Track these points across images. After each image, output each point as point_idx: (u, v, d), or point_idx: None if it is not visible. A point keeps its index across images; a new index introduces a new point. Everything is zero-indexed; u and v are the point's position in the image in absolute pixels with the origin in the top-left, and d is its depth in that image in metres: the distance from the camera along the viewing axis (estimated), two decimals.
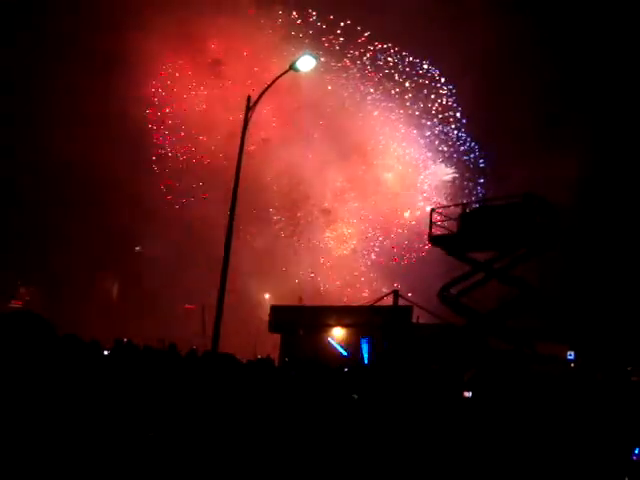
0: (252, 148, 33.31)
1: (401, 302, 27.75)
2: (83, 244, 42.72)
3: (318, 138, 46.31)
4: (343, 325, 29.82)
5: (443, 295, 22.92)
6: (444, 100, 47.56)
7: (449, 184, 47.76)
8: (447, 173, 47.96)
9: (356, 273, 46.29)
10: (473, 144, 47.89)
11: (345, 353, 13.42)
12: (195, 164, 46.82)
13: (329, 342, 22.59)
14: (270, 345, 32.18)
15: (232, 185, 15.53)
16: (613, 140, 40.73)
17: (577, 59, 41.73)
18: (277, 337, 31.88)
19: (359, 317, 29.02)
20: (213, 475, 5.86)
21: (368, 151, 48.15)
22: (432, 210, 24.13)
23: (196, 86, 46.74)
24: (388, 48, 46.80)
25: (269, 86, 15.30)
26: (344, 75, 46.95)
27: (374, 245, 48.14)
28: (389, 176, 48.44)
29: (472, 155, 47.90)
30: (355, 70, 47.11)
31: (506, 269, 22.00)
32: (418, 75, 47.17)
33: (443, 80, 47.03)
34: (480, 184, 47.41)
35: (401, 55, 46.97)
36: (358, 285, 45.36)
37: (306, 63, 15.22)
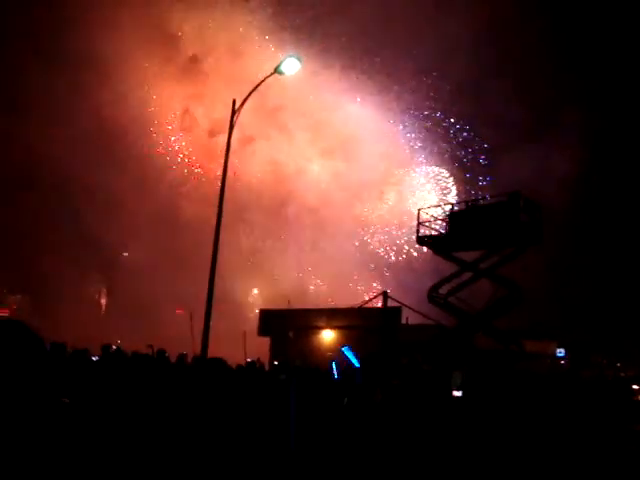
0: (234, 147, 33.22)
1: (390, 303, 27.80)
2: (70, 250, 42.56)
3: (300, 135, 46.56)
4: (333, 327, 29.83)
5: (432, 296, 23.00)
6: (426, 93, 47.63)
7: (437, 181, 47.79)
8: (434, 171, 47.99)
9: (345, 273, 46.05)
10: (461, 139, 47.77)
11: (357, 365, 13.33)
12: (176, 164, 46.63)
13: (342, 351, 22.61)
14: (260, 347, 32.17)
15: (218, 187, 15.50)
16: (607, 138, 41.13)
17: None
18: (266, 340, 31.86)
19: (349, 319, 29.04)
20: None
21: (352, 148, 48.11)
22: (419, 210, 24.21)
23: (174, 84, 46.52)
24: (368, 48, 46.68)
25: (253, 89, 15.26)
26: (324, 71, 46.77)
27: (362, 244, 48.14)
28: (374, 174, 48.41)
29: (463, 152, 47.73)
30: (337, 68, 46.97)
31: (493, 268, 22.10)
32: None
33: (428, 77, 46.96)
34: (470, 181, 47.37)
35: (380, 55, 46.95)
36: (349, 285, 45.26)
37: (290, 66, 15.21)
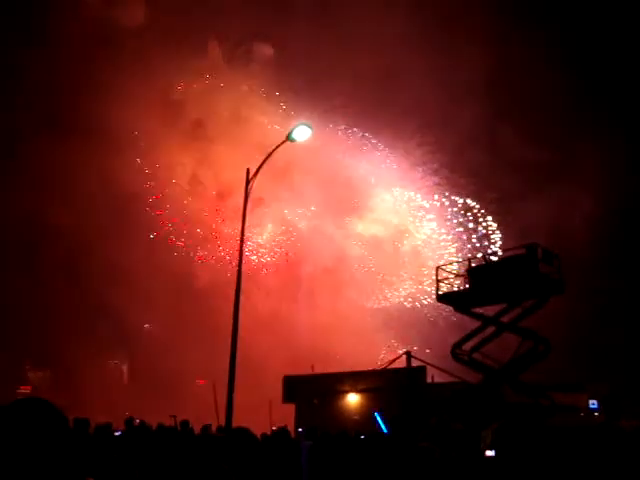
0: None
1: (414, 362, 27.45)
2: (91, 324, 42.73)
3: (312, 195, 46.71)
4: (357, 391, 29.41)
5: (455, 353, 22.74)
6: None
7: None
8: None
9: (365, 333, 45.37)
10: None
11: (386, 430, 13.06)
12: (187, 229, 46.99)
13: (374, 416, 22.28)
14: (285, 414, 31.66)
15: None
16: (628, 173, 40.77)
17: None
18: (291, 406, 31.41)
19: (373, 381, 28.66)
20: None
21: (364, 207, 48.30)
22: (437, 268, 24.18)
23: (180, 151, 47.01)
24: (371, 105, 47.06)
25: (266, 158, 15.58)
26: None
27: (381, 301, 47.76)
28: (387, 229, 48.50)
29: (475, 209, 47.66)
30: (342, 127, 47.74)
31: (515, 321, 21.88)
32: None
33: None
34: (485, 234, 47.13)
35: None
36: (371, 345, 44.55)
37: (302, 133, 15.55)
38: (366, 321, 45.61)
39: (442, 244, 47.72)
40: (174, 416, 19.03)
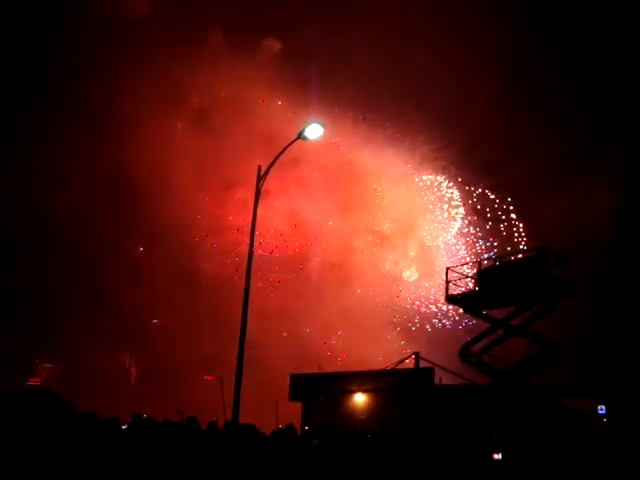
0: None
1: (422, 364, 27.34)
2: (100, 318, 42.87)
3: (319, 188, 46.19)
4: (364, 391, 29.34)
5: (464, 354, 22.66)
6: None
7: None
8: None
9: (373, 332, 44.76)
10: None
11: None
12: (193, 221, 46.66)
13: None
14: (291, 412, 31.63)
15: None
16: None
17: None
18: (298, 404, 31.40)
19: (381, 382, 28.56)
20: None
21: (371, 200, 47.78)
22: (448, 269, 24.07)
23: (185, 142, 46.61)
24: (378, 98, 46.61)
25: (278, 156, 15.54)
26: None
27: (389, 300, 47.05)
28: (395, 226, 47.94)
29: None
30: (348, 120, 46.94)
31: (525, 324, 21.77)
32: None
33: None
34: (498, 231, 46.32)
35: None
36: (378, 344, 44.01)
37: (314, 131, 15.52)
38: (374, 319, 45.14)
39: (452, 241, 47.06)
40: (181, 412, 19.12)
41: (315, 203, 46.02)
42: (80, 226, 43.18)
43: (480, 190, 46.10)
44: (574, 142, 41.71)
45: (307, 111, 43.97)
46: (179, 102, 46.47)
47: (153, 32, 43.49)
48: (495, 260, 23.36)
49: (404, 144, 46.94)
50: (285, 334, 43.67)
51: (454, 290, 23.36)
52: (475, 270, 23.55)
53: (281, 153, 15.60)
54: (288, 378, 32.29)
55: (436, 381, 27.21)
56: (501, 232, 45.28)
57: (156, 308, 45.95)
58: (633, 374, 30.63)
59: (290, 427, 11.43)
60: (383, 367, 28.83)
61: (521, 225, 44.16)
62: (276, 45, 46.95)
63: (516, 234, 44.40)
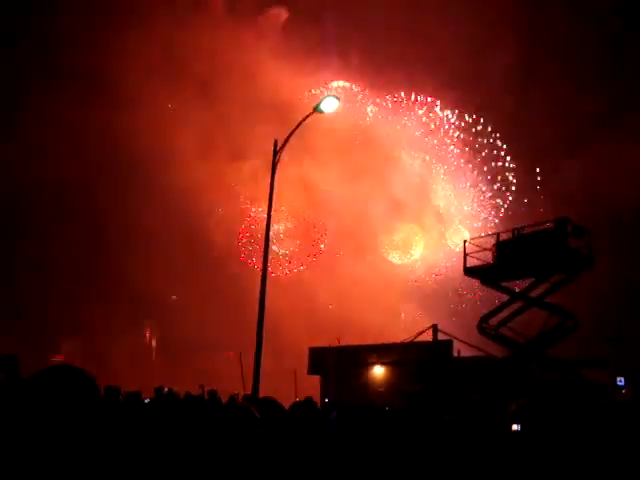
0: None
1: (440, 336, 27.40)
2: (121, 295, 43.31)
3: (330, 156, 44.97)
4: (383, 363, 29.52)
5: (482, 327, 22.66)
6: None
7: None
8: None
9: (389, 303, 44.03)
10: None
11: None
12: (200, 194, 45.59)
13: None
14: (310, 385, 31.87)
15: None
16: None
17: None
18: (316, 378, 31.67)
19: (399, 354, 28.69)
20: None
21: (384, 168, 46.68)
22: (465, 241, 23.97)
23: (188, 111, 45.40)
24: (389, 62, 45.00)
25: (293, 130, 15.51)
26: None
27: (405, 272, 46.65)
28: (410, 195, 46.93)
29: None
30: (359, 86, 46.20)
31: (543, 296, 21.69)
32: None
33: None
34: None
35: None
36: (395, 316, 43.46)
37: (329, 104, 15.45)
38: (390, 290, 44.80)
39: (466, 209, 46.21)
40: (202, 386, 19.36)
41: (326, 171, 44.87)
42: (91, 199, 43.24)
43: (498, 156, 45.24)
44: (600, 103, 39.98)
45: (315, 78, 43.39)
46: (182, 71, 45.61)
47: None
48: (513, 232, 23.17)
49: (418, 108, 46.20)
50: (300, 305, 43.17)
51: (472, 262, 23.28)
52: (494, 242, 23.43)
53: (296, 127, 15.56)
54: (306, 350, 32.52)
55: (454, 353, 27.30)
56: (521, 201, 44.43)
57: (173, 283, 46.14)
58: None
59: (309, 400, 11.54)
60: (401, 340, 28.93)
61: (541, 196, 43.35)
62: (282, 13, 46.28)
63: (536, 203, 43.47)
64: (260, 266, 15.86)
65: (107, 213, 43.85)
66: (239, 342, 27.73)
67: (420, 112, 45.88)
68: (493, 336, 22.47)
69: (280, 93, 41.44)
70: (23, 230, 41.65)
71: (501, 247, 22.14)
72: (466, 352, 26.91)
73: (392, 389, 27.03)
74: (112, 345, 42.86)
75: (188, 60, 45.32)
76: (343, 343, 32.06)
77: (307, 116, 15.50)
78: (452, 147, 46.12)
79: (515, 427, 10.97)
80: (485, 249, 23.39)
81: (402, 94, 45.68)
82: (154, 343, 51.81)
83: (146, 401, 12.53)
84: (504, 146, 44.49)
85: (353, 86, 46.13)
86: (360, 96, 46.33)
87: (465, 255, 23.24)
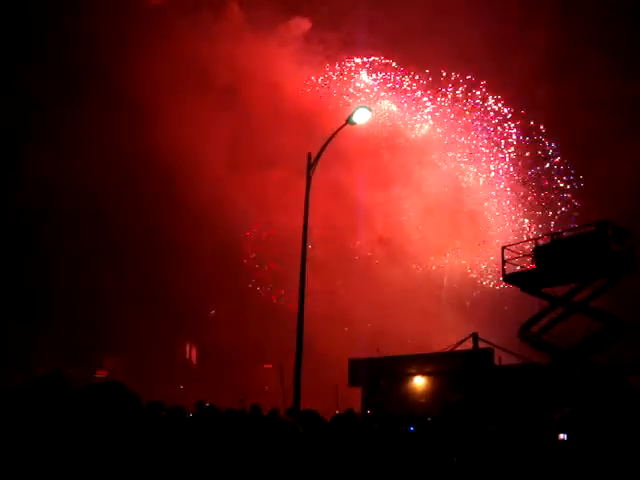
0: None
1: (481, 344, 27.07)
2: (160, 311, 43.82)
3: (360, 162, 44.61)
4: (424, 374, 29.25)
5: (524, 334, 22.30)
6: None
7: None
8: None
9: (428, 312, 43.28)
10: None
11: None
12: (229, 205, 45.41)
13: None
14: (352, 398, 31.71)
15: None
16: None
17: None
18: (357, 390, 31.51)
19: (439, 364, 28.41)
20: None
21: (415, 174, 46.07)
22: (504, 248, 23.64)
23: (213, 120, 45.28)
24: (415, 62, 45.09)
25: (327, 142, 15.55)
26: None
27: (441, 279, 45.90)
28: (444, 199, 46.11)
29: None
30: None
31: (585, 301, 21.27)
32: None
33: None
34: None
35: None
36: (434, 325, 42.46)
37: (361, 116, 15.49)
38: (427, 298, 44.12)
39: (501, 213, 45.10)
40: (242, 399, 19.44)
41: (357, 176, 44.46)
42: (124, 216, 43.71)
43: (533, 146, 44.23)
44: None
45: (337, 86, 43.09)
46: (206, 82, 45.77)
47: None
48: (552, 237, 22.80)
49: (447, 114, 45.61)
50: (346, 329, 42.68)
51: (511, 269, 22.97)
52: (532, 247, 23.07)
53: (330, 139, 15.61)
54: (346, 362, 32.40)
55: (495, 362, 26.92)
56: (556, 203, 43.32)
57: (211, 298, 46.51)
58: None
59: (350, 412, 11.49)
60: (440, 348, 28.66)
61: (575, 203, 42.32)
62: (305, 23, 46.19)
63: (574, 205, 42.35)
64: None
65: (141, 229, 44.35)
66: (278, 355, 27.80)
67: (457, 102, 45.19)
68: (535, 343, 22.10)
69: (304, 100, 41.46)
70: (62, 250, 42.38)
71: (541, 252, 21.80)
72: (507, 360, 26.53)
73: (434, 399, 26.75)
74: (153, 360, 43.36)
75: (212, 71, 45.70)
76: (383, 353, 31.89)
77: (339, 128, 15.55)
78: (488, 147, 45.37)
79: (562, 436, 10.75)
80: (524, 255, 23.06)
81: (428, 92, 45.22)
82: (194, 358, 52.24)
83: (189, 415, 12.64)
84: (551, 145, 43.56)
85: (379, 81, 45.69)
86: (386, 100, 45.89)
87: (503, 262, 22.94)
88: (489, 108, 44.32)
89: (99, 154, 42.91)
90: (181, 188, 44.13)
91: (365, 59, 45.03)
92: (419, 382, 29.36)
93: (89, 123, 41.79)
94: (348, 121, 15.37)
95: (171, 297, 43.07)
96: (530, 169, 44.17)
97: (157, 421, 9.14)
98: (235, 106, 45.46)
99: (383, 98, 45.55)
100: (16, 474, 2.59)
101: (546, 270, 21.40)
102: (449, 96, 44.80)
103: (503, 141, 44.49)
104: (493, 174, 45.10)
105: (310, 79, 45.16)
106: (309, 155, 15.79)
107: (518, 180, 44.37)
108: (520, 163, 44.36)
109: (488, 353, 26.69)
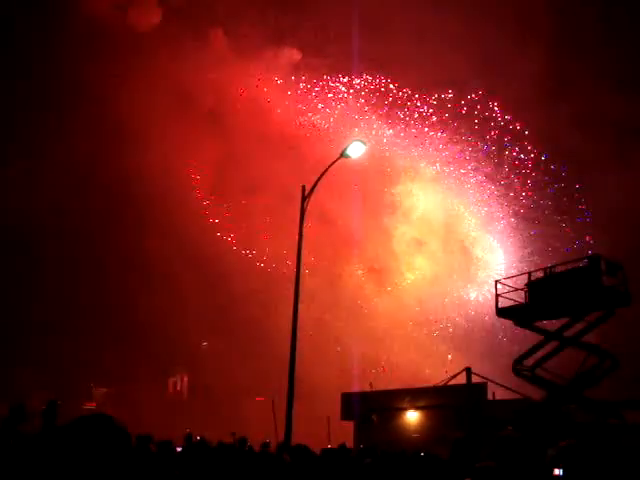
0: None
1: (475, 379, 26.89)
2: (151, 342, 43.41)
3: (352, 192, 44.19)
4: (416, 408, 29.00)
5: (517, 369, 22.17)
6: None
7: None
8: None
9: (421, 345, 43.00)
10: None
11: None
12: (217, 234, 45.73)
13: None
14: (343, 431, 31.33)
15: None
16: None
17: None
18: (349, 423, 31.16)
19: (432, 399, 28.21)
20: None
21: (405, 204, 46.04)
22: (497, 282, 23.63)
23: (198, 147, 45.35)
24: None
25: (320, 176, 15.62)
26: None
27: (435, 312, 45.15)
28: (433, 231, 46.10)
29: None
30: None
31: (579, 336, 21.22)
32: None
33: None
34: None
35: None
36: (428, 359, 42.01)
37: (356, 149, 15.58)
38: (419, 330, 43.79)
39: (493, 243, 45.05)
40: (234, 433, 19.18)
41: (345, 204, 44.25)
42: (109, 245, 43.50)
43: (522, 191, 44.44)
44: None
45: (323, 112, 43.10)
46: (191, 108, 45.88)
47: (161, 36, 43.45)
48: (545, 271, 22.82)
49: (430, 145, 45.82)
50: (338, 349, 42.07)
51: (504, 303, 22.91)
52: (526, 281, 23.07)
53: (323, 173, 15.67)
54: (338, 395, 32.10)
55: (489, 396, 26.72)
56: (549, 235, 43.23)
57: (203, 330, 46.01)
58: None
59: (343, 447, 11.35)
60: (433, 382, 28.45)
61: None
62: (295, 54, 46.21)
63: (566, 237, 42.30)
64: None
65: (130, 259, 44.07)
66: (271, 388, 27.47)
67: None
68: (529, 378, 21.96)
69: (286, 127, 41.49)
70: (48, 278, 42.03)
71: (533, 287, 21.81)
72: (501, 395, 26.35)
73: (427, 434, 26.49)
74: (144, 392, 42.85)
75: (196, 98, 45.88)
76: (375, 387, 31.63)
77: (334, 162, 15.63)
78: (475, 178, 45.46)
79: (557, 472, 10.61)
80: (517, 289, 23.05)
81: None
82: (185, 390, 51.66)
83: (178, 449, 12.43)
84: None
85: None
86: (375, 125, 46.03)
87: (497, 295, 22.90)
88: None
89: (82, 180, 42.88)
90: (167, 217, 44.10)
91: (354, 82, 45.18)
92: (412, 417, 29.09)
93: (72, 148, 41.53)
94: (342, 154, 15.45)
95: (163, 328, 42.65)
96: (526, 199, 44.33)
97: (146, 455, 8.98)
98: (221, 132, 45.66)
99: (371, 124, 45.64)
100: None
101: (539, 304, 21.38)
102: (434, 119, 45.31)
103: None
104: (486, 207, 45.23)
105: (296, 105, 45.38)
106: (303, 187, 15.83)
107: (513, 210, 44.52)
108: (512, 194, 44.61)
109: (481, 387, 26.51)
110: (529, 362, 22.23)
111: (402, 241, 46.11)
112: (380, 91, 45.02)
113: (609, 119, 38.75)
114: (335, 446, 14.09)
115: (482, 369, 27.55)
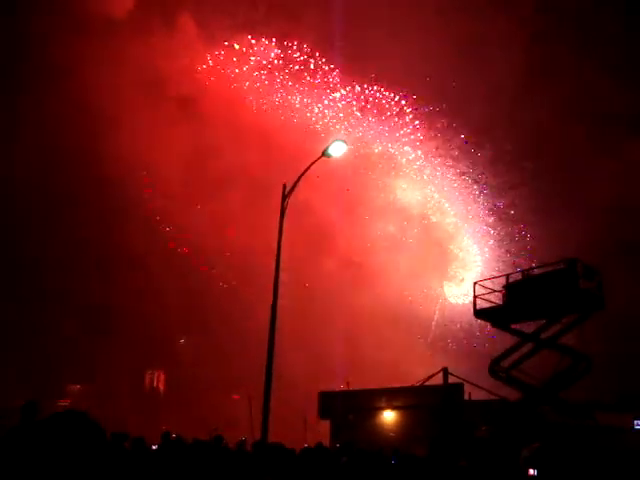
0: None
1: (451, 379, 27.04)
2: (128, 339, 43.00)
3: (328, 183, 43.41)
4: (393, 408, 29.09)
5: (494, 370, 22.34)
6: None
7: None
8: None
9: (398, 344, 42.60)
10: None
11: None
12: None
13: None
14: (321, 426, 31.32)
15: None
16: None
17: None
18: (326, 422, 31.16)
19: (409, 398, 28.33)
20: None
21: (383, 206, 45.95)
22: (475, 283, 23.79)
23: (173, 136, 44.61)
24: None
25: (301, 175, 15.55)
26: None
27: (412, 312, 45.65)
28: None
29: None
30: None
31: (554, 338, 21.44)
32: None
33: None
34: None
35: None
36: (405, 357, 41.92)
37: (337, 149, 15.54)
38: (398, 330, 43.73)
39: (469, 241, 45.43)
40: (216, 429, 19.10)
41: (323, 199, 44.19)
42: (86, 234, 42.93)
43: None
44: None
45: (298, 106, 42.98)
46: (160, 97, 45.38)
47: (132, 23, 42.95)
48: (523, 273, 23.01)
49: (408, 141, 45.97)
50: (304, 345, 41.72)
51: (482, 304, 23.07)
52: (504, 283, 23.25)
53: (304, 172, 15.60)
54: (315, 393, 32.03)
55: (465, 396, 26.89)
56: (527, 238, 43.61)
57: (181, 326, 45.73)
58: None
59: (320, 446, 11.34)
60: (410, 382, 28.57)
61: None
62: (271, 48, 45.79)
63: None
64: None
65: (108, 253, 43.51)
66: (246, 385, 27.39)
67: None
68: (504, 379, 22.14)
69: (264, 118, 41.23)
70: (27, 276, 41.42)
71: (511, 289, 21.99)
72: (477, 395, 26.53)
73: (403, 434, 26.59)
74: (121, 389, 42.51)
75: (168, 85, 45.42)
76: (353, 387, 31.66)
77: (314, 161, 15.56)
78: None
79: (532, 472, 10.71)
80: (495, 291, 23.22)
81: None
82: (161, 387, 51.34)
83: (154, 447, 12.34)
84: None
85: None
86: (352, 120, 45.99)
87: (475, 297, 23.05)
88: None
89: (49, 165, 42.02)
90: (139, 211, 43.71)
91: (330, 76, 45.14)
92: (389, 416, 29.18)
93: (41, 133, 40.85)
94: (324, 154, 15.41)
95: (139, 325, 42.31)
96: (501, 200, 44.69)
97: (120, 453, 8.91)
98: (194, 121, 45.02)
99: (348, 119, 45.60)
100: None
101: (516, 306, 21.55)
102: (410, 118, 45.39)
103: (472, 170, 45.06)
104: (464, 208, 45.54)
105: (271, 96, 45.06)
106: (284, 186, 15.78)
107: (489, 211, 44.89)
108: (490, 193, 44.93)
109: (458, 388, 26.66)
110: (505, 364, 22.41)
111: (379, 237, 46.05)
112: (357, 84, 45.27)
113: (590, 116, 39.69)
114: (312, 445, 14.09)
115: (459, 370, 27.73)
